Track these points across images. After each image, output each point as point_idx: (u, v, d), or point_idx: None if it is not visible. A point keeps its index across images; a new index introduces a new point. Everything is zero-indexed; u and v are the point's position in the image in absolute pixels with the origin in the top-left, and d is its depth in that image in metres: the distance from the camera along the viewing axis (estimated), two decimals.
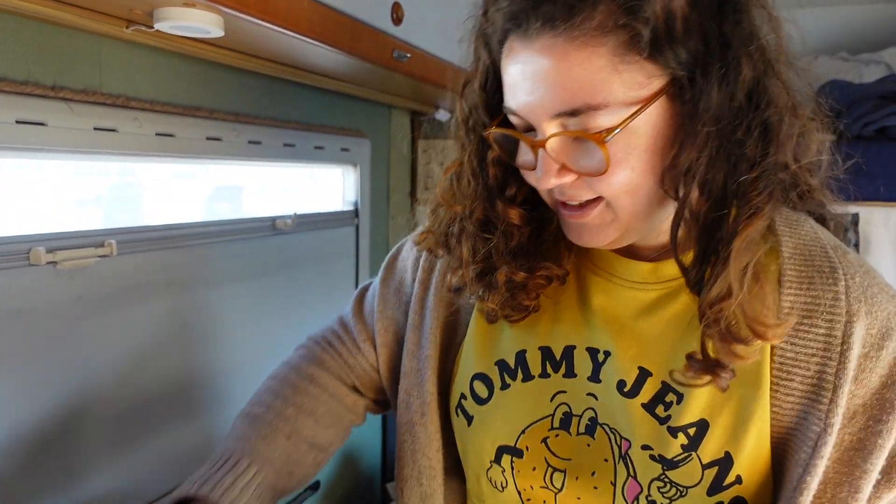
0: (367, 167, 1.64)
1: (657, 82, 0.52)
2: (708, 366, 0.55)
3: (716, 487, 0.57)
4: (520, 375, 0.67)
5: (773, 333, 0.54)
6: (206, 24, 0.77)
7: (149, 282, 1.04)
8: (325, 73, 1.23)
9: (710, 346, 0.55)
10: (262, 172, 1.49)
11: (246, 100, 1.21)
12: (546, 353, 0.67)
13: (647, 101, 0.51)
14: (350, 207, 1.63)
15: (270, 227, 1.31)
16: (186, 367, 1.18)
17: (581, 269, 0.68)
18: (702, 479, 0.57)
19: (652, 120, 0.53)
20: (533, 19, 0.51)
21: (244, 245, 1.26)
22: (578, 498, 0.64)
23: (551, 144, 0.53)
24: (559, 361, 0.66)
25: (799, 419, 0.56)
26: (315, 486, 1.60)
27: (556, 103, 0.51)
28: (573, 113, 0.51)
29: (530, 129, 0.56)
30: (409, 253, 0.81)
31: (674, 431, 0.59)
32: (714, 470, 0.57)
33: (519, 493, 0.67)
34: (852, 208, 1.56)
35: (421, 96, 1.63)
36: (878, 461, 0.54)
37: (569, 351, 0.66)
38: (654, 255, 0.63)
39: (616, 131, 0.51)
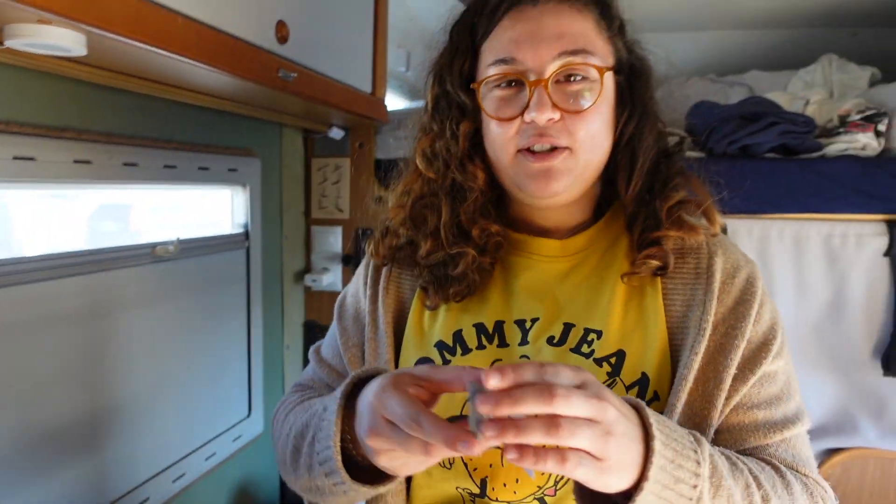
0: (258, 187, 1.58)
1: (611, 60, 0.75)
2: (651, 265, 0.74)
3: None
4: (459, 351, 0.77)
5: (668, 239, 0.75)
6: (65, 43, 0.71)
7: (24, 318, 0.96)
8: (208, 92, 1.17)
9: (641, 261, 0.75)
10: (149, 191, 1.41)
11: (120, 120, 1.13)
12: (480, 328, 0.78)
13: (612, 68, 0.74)
14: (240, 230, 1.56)
15: (149, 255, 1.22)
16: (73, 404, 1.10)
17: (505, 257, 0.82)
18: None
19: (611, 86, 0.75)
20: None
21: (125, 273, 1.18)
22: None
23: (552, 83, 0.70)
24: (492, 334, 0.77)
25: (683, 333, 0.72)
26: None
27: (563, 44, 0.70)
28: (574, 52, 0.70)
29: (514, 84, 0.72)
30: (353, 285, 0.91)
31: (599, 362, 0.72)
32: (635, 390, 0.71)
33: (465, 464, 0.74)
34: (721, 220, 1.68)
35: (313, 114, 1.60)
36: (735, 359, 0.70)
37: (499, 325, 0.77)
38: (564, 235, 0.81)
39: (605, 73, 0.72)
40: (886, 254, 1.60)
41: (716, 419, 0.69)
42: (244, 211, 1.55)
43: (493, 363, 0.75)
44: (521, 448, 0.49)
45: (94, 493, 1.17)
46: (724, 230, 1.71)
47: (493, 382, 0.49)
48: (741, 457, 0.66)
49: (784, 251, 1.67)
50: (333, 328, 0.90)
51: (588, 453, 0.50)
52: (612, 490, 0.54)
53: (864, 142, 1.62)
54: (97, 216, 1.34)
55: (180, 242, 1.29)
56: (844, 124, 1.66)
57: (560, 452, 0.49)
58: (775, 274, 1.68)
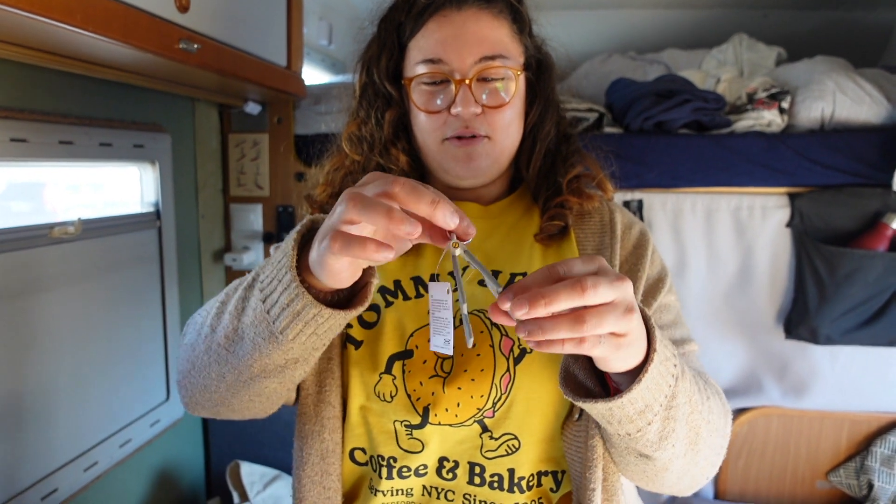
0: (169, 164, 1.51)
1: (522, 58, 0.86)
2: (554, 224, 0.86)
3: None
4: (400, 296, 0.84)
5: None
6: None
7: None
8: (106, 64, 1.11)
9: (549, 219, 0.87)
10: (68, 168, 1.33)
11: (6, 92, 1.05)
12: (417, 280, 0.85)
13: (524, 67, 0.86)
14: (150, 209, 1.49)
15: (46, 237, 1.16)
16: None
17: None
18: None
19: (521, 83, 0.86)
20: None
21: (25, 255, 1.11)
22: (465, 370, 0.78)
23: (474, 82, 0.80)
24: (428, 284, 0.84)
25: None
26: None
27: (483, 49, 0.81)
28: (493, 57, 0.81)
29: (441, 82, 0.82)
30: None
31: None
32: None
33: (408, 395, 0.79)
34: (638, 195, 1.74)
35: (227, 88, 1.54)
36: (640, 289, 0.83)
37: (434, 277, 0.80)
38: (485, 203, 0.92)
39: (519, 73, 0.83)
40: (788, 224, 1.69)
41: None
42: (154, 189, 1.48)
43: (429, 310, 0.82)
44: (549, 342, 0.53)
45: (1, 482, 1.12)
46: (640, 205, 1.78)
47: (520, 314, 0.52)
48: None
49: (696, 223, 1.74)
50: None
51: (611, 333, 0.54)
52: (622, 367, 0.59)
53: (769, 118, 1.69)
54: (7, 195, 1.26)
55: (83, 223, 1.23)
56: (752, 101, 1.73)
57: (579, 337, 0.53)
58: (688, 245, 1.75)
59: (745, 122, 1.71)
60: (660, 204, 1.74)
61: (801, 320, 1.67)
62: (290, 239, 0.63)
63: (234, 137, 1.78)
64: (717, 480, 1.85)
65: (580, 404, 0.62)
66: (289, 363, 0.67)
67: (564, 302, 0.51)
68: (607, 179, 0.94)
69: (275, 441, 1.75)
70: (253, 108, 1.69)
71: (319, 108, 1.77)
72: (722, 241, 1.74)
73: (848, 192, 1.64)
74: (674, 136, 1.72)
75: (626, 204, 1.74)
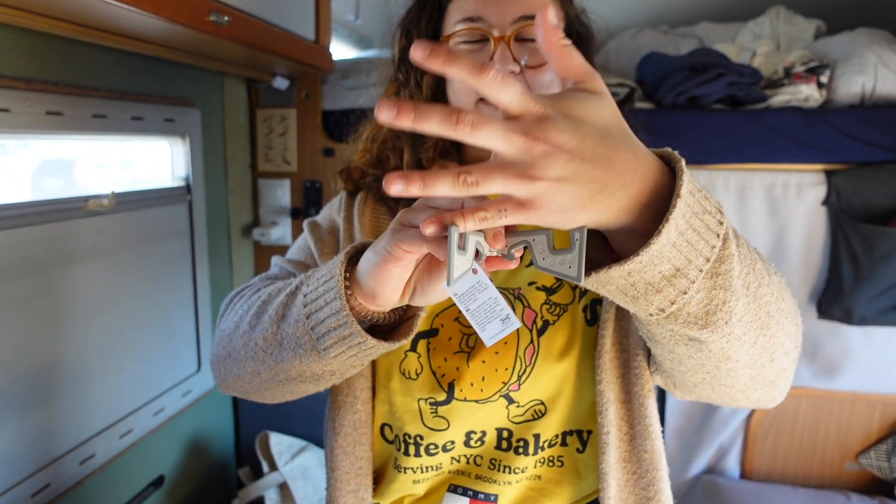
0: (199, 139, 1.53)
1: (563, 24, 0.84)
2: None
3: (581, 297, 0.79)
4: None
5: None
6: None
7: None
8: (136, 37, 1.11)
9: None
10: (98, 144, 1.35)
11: (41, 64, 1.07)
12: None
13: (564, 31, 0.84)
14: (181, 183, 1.51)
15: (81, 210, 1.18)
16: (14, 360, 1.09)
17: None
18: (574, 297, 0.79)
19: None
20: None
21: (60, 227, 1.14)
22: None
23: (513, 40, 0.77)
24: None
25: None
26: (158, 482, 1.51)
27: (523, 7, 0.78)
28: (533, 17, 0.77)
29: (480, 41, 0.80)
30: (325, 213, 0.93)
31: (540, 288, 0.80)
32: (579, 289, 0.79)
33: (433, 371, 0.79)
34: None
35: (256, 63, 1.54)
36: None
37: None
38: None
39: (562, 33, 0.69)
40: (824, 203, 1.65)
41: None
42: (184, 163, 1.50)
43: None
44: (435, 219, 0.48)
45: (38, 450, 1.16)
46: None
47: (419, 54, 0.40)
48: None
49: (729, 200, 1.71)
50: (303, 239, 0.91)
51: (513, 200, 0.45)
52: (629, 238, 0.49)
53: (807, 93, 1.65)
54: (41, 172, 1.29)
55: (116, 196, 1.25)
56: (789, 76, 1.68)
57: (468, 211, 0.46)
58: None
59: (781, 97, 1.66)
60: None
61: (834, 300, 1.63)
62: (339, 259, 0.62)
63: (262, 112, 1.78)
64: (743, 460, 1.83)
65: (592, 278, 0.49)
66: (326, 373, 0.67)
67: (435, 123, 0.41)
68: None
69: (302, 413, 1.78)
70: (281, 83, 1.69)
71: (348, 83, 1.76)
72: (755, 219, 1.70)
73: (888, 169, 1.59)
74: (707, 111, 1.68)
75: None
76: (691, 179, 0.47)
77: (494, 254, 0.52)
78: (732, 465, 1.84)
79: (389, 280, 0.57)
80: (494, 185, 0.43)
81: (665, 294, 0.49)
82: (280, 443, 1.65)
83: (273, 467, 1.63)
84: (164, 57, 1.31)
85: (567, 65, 0.47)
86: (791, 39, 2.09)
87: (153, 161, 1.51)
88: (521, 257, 0.53)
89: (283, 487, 1.59)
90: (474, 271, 0.53)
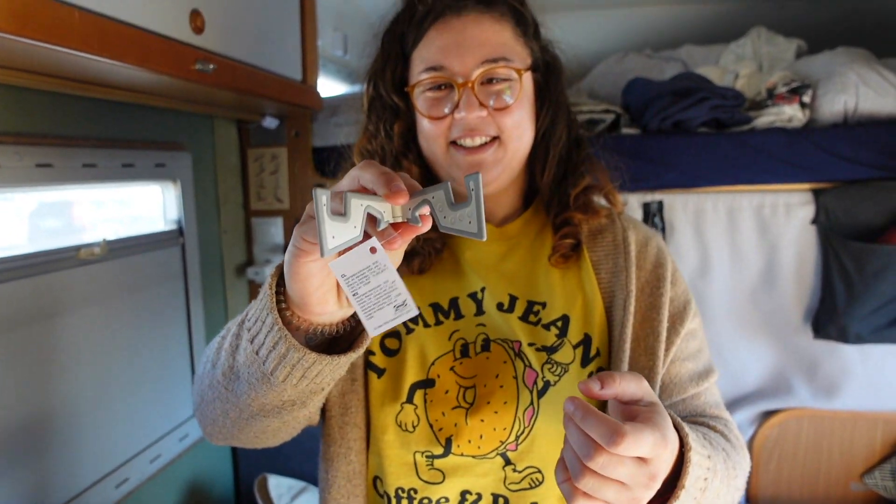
0: (190, 182, 1.54)
1: (529, 60, 0.85)
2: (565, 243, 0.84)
3: (585, 360, 0.79)
4: (420, 323, 0.83)
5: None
6: None
7: None
8: (125, 87, 1.13)
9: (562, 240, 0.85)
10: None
11: (30, 118, 1.08)
12: (436, 307, 0.84)
13: (529, 68, 0.84)
14: (173, 226, 1.52)
15: (73, 259, 1.18)
16: (6, 411, 1.08)
17: (449, 240, 0.90)
18: (574, 357, 0.79)
19: (530, 84, 0.85)
20: (468, 2, 0.82)
21: (53, 278, 1.14)
22: (488, 402, 0.77)
23: (477, 85, 0.79)
24: (448, 310, 0.84)
25: (613, 296, 0.82)
26: None
27: (485, 52, 0.79)
28: (495, 60, 0.79)
29: (444, 87, 0.81)
30: None
31: (547, 327, 0.81)
32: (581, 349, 0.79)
33: (430, 425, 0.78)
34: (658, 196, 1.72)
35: (245, 105, 1.56)
36: (665, 314, 0.80)
37: (454, 301, 0.84)
38: (498, 223, 0.91)
39: (524, 73, 0.81)
40: (814, 221, 1.66)
41: (660, 370, 0.78)
42: (176, 206, 1.50)
43: (451, 335, 0.82)
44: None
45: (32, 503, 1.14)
46: (660, 206, 1.76)
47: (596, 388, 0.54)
48: (709, 432, 0.73)
49: (719, 223, 1.72)
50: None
51: None
52: None
53: (790, 114, 1.67)
54: (38, 213, 1.29)
55: (108, 243, 1.25)
56: (772, 97, 1.71)
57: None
58: (711, 245, 1.73)
59: (765, 119, 1.68)
60: (681, 204, 1.72)
61: (829, 319, 1.63)
62: (268, 277, 0.61)
63: (253, 152, 1.80)
64: (749, 484, 1.81)
65: None
66: (286, 405, 0.66)
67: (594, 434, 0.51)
68: (616, 191, 0.92)
69: (302, 454, 1.76)
70: (270, 123, 1.71)
71: (337, 120, 1.78)
72: (745, 241, 1.71)
73: (874, 186, 1.60)
74: (693, 134, 1.70)
75: (646, 206, 1.73)
76: (696, 459, 0.58)
77: (397, 220, 0.48)
78: None
79: (310, 278, 0.54)
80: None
81: None
82: (279, 485, 1.64)
83: None
84: (152, 104, 1.32)
85: (624, 393, 0.55)
86: (773, 60, 2.12)
87: (150, 198, 1.51)
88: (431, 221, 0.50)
89: None
90: (372, 250, 0.48)
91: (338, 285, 0.56)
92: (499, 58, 0.80)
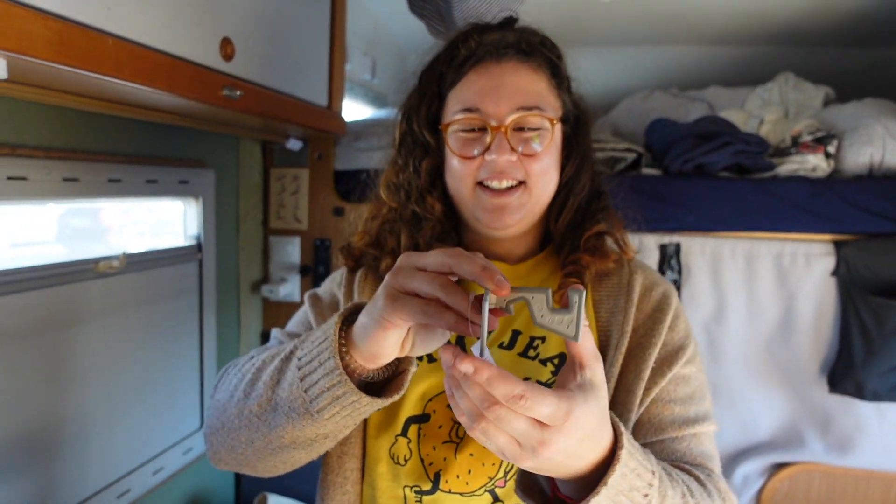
0: (212, 199, 1.56)
1: (560, 111, 0.87)
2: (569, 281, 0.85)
3: None
4: (425, 359, 0.85)
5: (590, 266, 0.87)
6: None
7: None
8: (152, 107, 1.15)
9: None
10: None
11: (57, 134, 1.11)
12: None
13: (560, 119, 0.87)
14: (192, 242, 1.54)
15: (92, 271, 1.20)
16: (14, 421, 1.10)
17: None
18: None
19: (559, 135, 0.87)
20: (508, 50, 0.85)
21: (70, 289, 1.16)
22: None
23: (510, 130, 0.81)
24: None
25: (608, 336, 0.83)
26: None
27: (520, 100, 0.82)
28: (529, 108, 0.82)
29: (478, 130, 0.83)
30: (326, 286, 0.96)
31: (544, 362, 0.82)
32: None
33: (422, 458, 0.79)
34: (675, 238, 1.71)
35: (269, 127, 1.59)
36: (652, 356, 0.81)
37: (461, 339, 0.84)
38: (513, 263, 0.92)
39: (555, 124, 0.84)
40: (834, 273, 1.63)
41: (636, 408, 0.78)
42: (196, 222, 1.53)
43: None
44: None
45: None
46: (678, 248, 1.75)
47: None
48: (674, 469, 0.71)
49: (736, 269, 1.70)
50: (303, 311, 0.94)
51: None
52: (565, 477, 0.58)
53: (815, 163, 1.65)
54: (68, 213, 1.33)
55: (127, 256, 1.27)
56: (796, 145, 1.69)
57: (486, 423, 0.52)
58: (727, 291, 1.71)
59: (788, 166, 1.67)
60: (699, 248, 1.71)
61: (846, 374, 1.60)
62: (333, 321, 0.64)
63: (276, 172, 1.82)
64: None
65: (524, 502, 0.62)
66: (319, 437, 0.69)
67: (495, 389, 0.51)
68: (627, 237, 0.93)
69: (303, 475, 1.74)
70: (294, 145, 1.73)
71: (359, 145, 1.80)
72: (763, 289, 1.69)
73: None
74: (714, 178, 1.69)
75: (664, 247, 1.72)
76: (628, 460, 0.57)
77: (493, 306, 0.55)
78: None
79: (388, 344, 0.59)
80: (533, 413, 0.51)
81: None
82: None
83: None
84: (179, 124, 1.35)
85: (580, 350, 0.55)
86: (800, 106, 2.11)
87: (174, 206, 1.54)
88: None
89: None
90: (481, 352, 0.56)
91: (404, 339, 0.61)
92: (533, 106, 0.82)
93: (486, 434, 0.52)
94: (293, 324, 0.94)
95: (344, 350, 0.63)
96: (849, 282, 1.61)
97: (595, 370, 0.55)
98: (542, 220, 0.92)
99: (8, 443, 1.09)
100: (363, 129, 1.80)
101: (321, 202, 1.82)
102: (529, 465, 0.53)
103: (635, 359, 0.81)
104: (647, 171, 1.77)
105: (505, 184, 0.83)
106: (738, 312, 1.71)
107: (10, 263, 1.05)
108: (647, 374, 0.79)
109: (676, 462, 0.75)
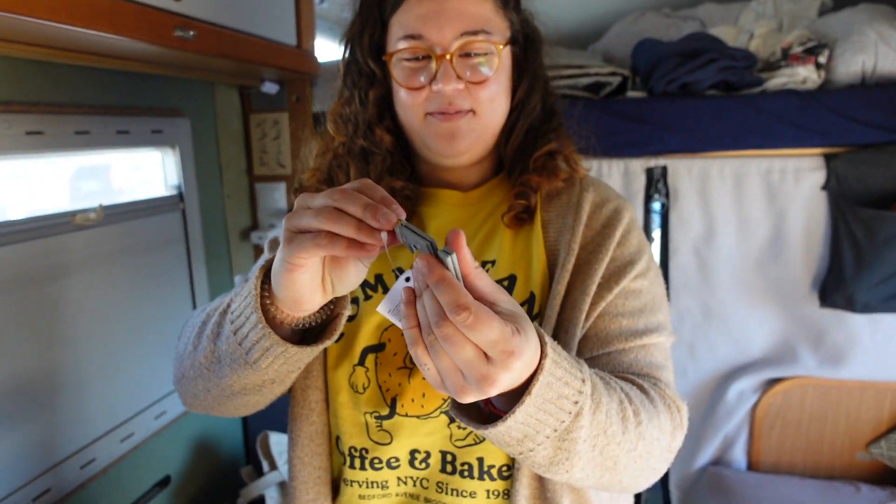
0: (189, 147, 1.56)
1: (508, 32, 0.84)
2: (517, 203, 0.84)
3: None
4: (380, 290, 0.85)
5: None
6: None
7: None
8: (109, 55, 1.14)
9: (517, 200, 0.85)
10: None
11: (19, 87, 1.10)
12: (399, 272, 0.84)
13: (508, 42, 0.83)
14: (173, 192, 1.55)
15: (69, 224, 1.22)
16: (13, 369, 1.15)
17: (418, 209, 0.91)
18: None
19: (508, 57, 0.84)
20: None
21: (43, 243, 1.18)
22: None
23: (456, 57, 0.78)
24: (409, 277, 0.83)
25: (556, 255, 0.82)
26: (165, 482, 1.56)
27: (465, 24, 0.78)
28: (475, 32, 0.78)
29: (422, 58, 0.80)
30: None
31: None
32: (525, 307, 0.80)
33: (379, 385, 0.81)
34: (662, 161, 1.68)
35: (241, 70, 1.56)
36: (599, 271, 0.80)
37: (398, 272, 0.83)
38: (466, 189, 0.91)
39: (502, 47, 0.81)
40: (824, 187, 1.60)
41: (582, 322, 0.78)
42: (176, 172, 1.53)
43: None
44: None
45: (38, 456, 1.21)
46: (664, 171, 1.72)
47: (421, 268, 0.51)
48: (613, 378, 0.71)
49: (724, 189, 1.67)
50: (263, 257, 0.93)
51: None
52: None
53: (804, 75, 1.60)
54: (77, 176, 1.37)
55: (104, 209, 1.28)
56: (786, 57, 1.64)
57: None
58: (716, 212, 1.69)
59: (778, 80, 1.62)
60: (685, 170, 1.68)
61: (836, 287, 1.59)
62: (254, 274, 0.64)
63: (255, 118, 1.81)
64: (749, 451, 1.81)
65: (458, 420, 0.61)
66: (266, 383, 0.70)
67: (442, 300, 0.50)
68: (577, 157, 0.90)
69: None
70: (270, 88, 1.71)
71: (337, 85, 1.77)
72: (752, 207, 1.67)
73: (890, 151, 1.53)
74: (700, 97, 1.65)
75: (650, 171, 1.69)
76: (552, 369, 0.56)
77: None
78: (739, 456, 1.81)
79: (303, 287, 0.58)
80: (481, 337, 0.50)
81: (514, 449, 0.60)
82: (280, 442, 1.69)
83: (273, 466, 1.66)
84: (148, 71, 1.34)
85: (475, 287, 0.53)
86: (794, 17, 2.02)
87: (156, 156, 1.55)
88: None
89: (283, 486, 1.63)
90: (406, 280, 0.56)
91: (323, 281, 0.60)
92: (478, 30, 0.79)
93: (431, 349, 0.51)
94: (254, 270, 0.95)
95: (269, 302, 0.63)
96: (839, 195, 1.58)
97: (503, 301, 0.53)
98: (495, 146, 0.90)
99: (7, 391, 1.13)
100: (339, 68, 1.76)
101: (304, 146, 1.80)
102: (471, 399, 0.52)
103: (581, 274, 0.80)
104: (632, 94, 1.72)
105: (453, 109, 0.81)
106: (728, 232, 1.69)
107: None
108: (593, 289, 0.79)
109: (622, 373, 0.76)
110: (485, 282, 0.53)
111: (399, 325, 0.55)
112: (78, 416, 1.29)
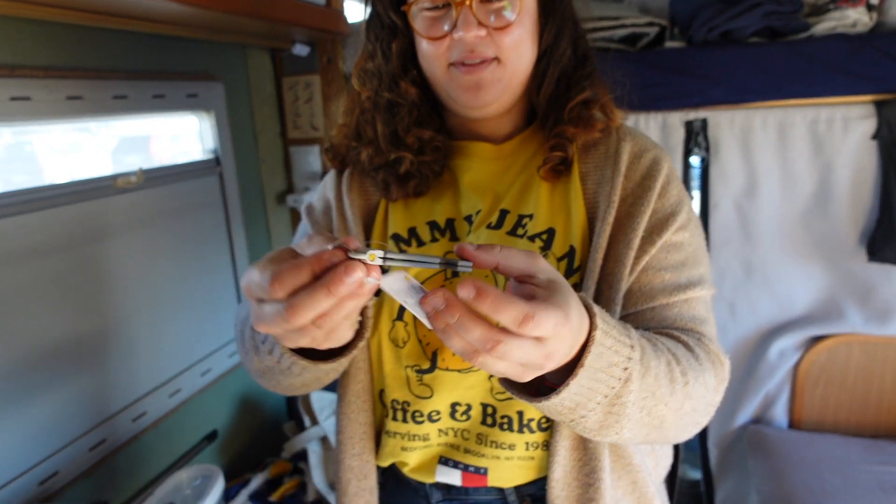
0: (224, 112, 1.58)
1: None
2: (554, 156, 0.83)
3: (568, 272, 0.79)
4: (414, 243, 0.85)
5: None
6: None
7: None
8: (143, 17, 1.15)
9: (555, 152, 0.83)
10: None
11: (58, 52, 1.13)
12: (433, 225, 0.86)
13: None
14: (210, 156, 1.57)
15: (111, 188, 1.25)
16: (67, 327, 1.21)
17: (450, 162, 0.90)
18: (558, 269, 0.75)
19: (530, 1, 0.80)
20: None
21: (86, 206, 1.22)
22: None
23: (476, 3, 0.75)
24: (444, 229, 0.85)
25: (596, 208, 0.81)
26: (212, 436, 1.63)
27: None
28: None
29: (443, 6, 0.77)
30: (318, 193, 0.96)
31: (532, 238, 0.81)
32: (565, 261, 0.80)
33: (419, 339, 0.81)
34: (702, 113, 1.62)
35: (274, 33, 1.57)
36: (642, 224, 0.79)
37: (450, 222, 0.86)
38: (499, 142, 0.89)
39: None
40: (875, 136, 1.53)
41: (626, 277, 0.77)
42: (212, 136, 1.55)
43: (445, 253, 0.83)
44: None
45: (92, 409, 1.28)
46: (705, 124, 1.67)
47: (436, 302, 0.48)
48: (658, 336, 0.71)
49: (767, 141, 1.61)
50: (302, 226, 0.96)
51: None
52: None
53: (855, 18, 1.52)
54: (120, 149, 1.43)
55: (143, 172, 1.32)
56: (835, 0, 1.55)
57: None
58: (759, 165, 1.63)
59: (826, 24, 1.54)
60: (727, 122, 1.63)
61: (886, 241, 1.53)
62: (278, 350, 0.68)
63: (287, 81, 1.81)
64: (791, 410, 1.78)
65: (509, 392, 0.62)
66: (311, 381, 0.75)
67: (471, 336, 0.47)
68: (613, 105, 0.87)
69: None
70: (301, 50, 1.71)
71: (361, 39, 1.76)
72: (798, 159, 1.61)
73: None
74: (742, 45, 1.58)
75: (689, 124, 1.64)
76: (602, 339, 0.56)
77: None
78: (780, 414, 1.79)
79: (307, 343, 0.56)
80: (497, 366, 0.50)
81: (565, 416, 0.61)
82: (321, 398, 1.74)
83: (314, 422, 1.71)
84: (181, 35, 1.35)
85: (509, 269, 0.52)
86: None
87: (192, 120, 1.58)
88: None
89: (325, 440, 1.68)
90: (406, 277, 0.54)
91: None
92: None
93: (484, 366, 0.50)
94: (298, 238, 0.96)
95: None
96: (891, 144, 1.50)
97: (541, 270, 0.52)
98: (525, 94, 0.87)
99: (60, 347, 1.19)
100: None
101: (335, 107, 1.81)
102: (532, 376, 0.52)
103: (624, 228, 0.79)
104: (669, 44, 1.66)
105: (477, 59, 0.78)
106: (772, 186, 1.64)
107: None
108: (636, 243, 0.77)
109: (666, 328, 0.75)
110: (516, 259, 0.51)
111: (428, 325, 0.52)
112: (127, 373, 1.35)
